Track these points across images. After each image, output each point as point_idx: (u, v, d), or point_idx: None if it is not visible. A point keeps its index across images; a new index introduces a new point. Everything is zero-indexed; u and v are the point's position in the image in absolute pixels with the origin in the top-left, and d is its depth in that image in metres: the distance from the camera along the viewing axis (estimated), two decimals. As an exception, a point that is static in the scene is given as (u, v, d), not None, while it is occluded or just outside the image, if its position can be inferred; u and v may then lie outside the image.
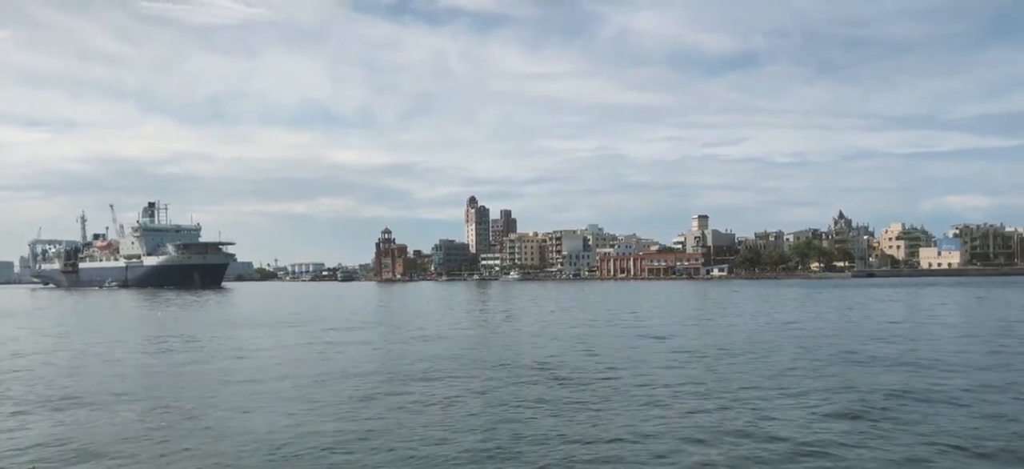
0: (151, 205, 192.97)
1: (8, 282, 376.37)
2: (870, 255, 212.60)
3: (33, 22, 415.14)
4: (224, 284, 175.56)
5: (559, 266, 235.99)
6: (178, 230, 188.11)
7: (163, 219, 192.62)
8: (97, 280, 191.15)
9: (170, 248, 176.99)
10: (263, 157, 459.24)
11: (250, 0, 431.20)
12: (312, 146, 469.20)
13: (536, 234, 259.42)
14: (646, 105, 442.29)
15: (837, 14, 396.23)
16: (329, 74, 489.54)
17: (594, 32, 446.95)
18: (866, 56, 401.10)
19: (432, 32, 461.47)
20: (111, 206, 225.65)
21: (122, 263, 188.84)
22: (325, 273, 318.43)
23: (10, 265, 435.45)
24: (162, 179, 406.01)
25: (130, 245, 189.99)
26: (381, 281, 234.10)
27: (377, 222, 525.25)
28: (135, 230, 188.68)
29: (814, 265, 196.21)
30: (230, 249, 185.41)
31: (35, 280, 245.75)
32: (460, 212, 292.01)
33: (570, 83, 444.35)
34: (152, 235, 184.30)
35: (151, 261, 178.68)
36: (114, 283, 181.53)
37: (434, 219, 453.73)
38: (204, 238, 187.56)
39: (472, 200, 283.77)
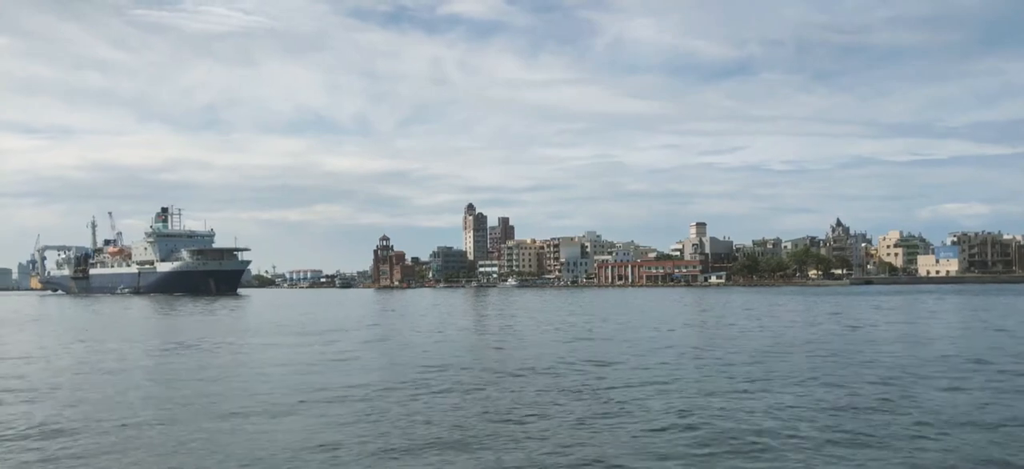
0: (164, 210, 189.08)
1: (7, 289, 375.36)
2: (868, 263, 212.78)
3: (29, 30, 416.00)
4: (239, 291, 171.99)
5: (557, 273, 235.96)
6: (191, 236, 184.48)
7: (176, 224, 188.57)
8: (108, 287, 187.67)
9: (185, 254, 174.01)
10: (260, 164, 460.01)
11: (247, 8, 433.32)
12: (308, 153, 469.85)
13: (534, 241, 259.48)
14: (643, 113, 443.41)
15: (832, 22, 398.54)
16: (326, 82, 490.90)
17: (590, 40, 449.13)
18: (862, 64, 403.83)
19: (429, 40, 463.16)
20: (110, 213, 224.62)
21: (134, 269, 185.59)
22: (323, 280, 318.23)
23: (8, 272, 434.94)
24: (159, 186, 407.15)
25: (143, 251, 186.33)
26: (379, 288, 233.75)
27: (374, 229, 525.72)
28: (148, 235, 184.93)
29: (812, 273, 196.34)
30: (245, 256, 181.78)
31: (37, 287, 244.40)
32: (458, 219, 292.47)
33: (567, 91, 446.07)
34: (165, 241, 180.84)
35: (165, 267, 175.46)
36: (126, 289, 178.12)
37: (432, 226, 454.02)
38: (216, 244, 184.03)
39: (470, 207, 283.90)
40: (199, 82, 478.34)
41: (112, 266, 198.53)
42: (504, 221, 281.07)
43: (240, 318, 56.20)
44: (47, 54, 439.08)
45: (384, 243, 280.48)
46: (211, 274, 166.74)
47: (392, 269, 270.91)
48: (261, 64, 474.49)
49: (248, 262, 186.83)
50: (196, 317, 57.61)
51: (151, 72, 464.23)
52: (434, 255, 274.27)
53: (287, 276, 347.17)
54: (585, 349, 27.71)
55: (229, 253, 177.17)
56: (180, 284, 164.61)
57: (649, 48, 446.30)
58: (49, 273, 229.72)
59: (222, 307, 78.91)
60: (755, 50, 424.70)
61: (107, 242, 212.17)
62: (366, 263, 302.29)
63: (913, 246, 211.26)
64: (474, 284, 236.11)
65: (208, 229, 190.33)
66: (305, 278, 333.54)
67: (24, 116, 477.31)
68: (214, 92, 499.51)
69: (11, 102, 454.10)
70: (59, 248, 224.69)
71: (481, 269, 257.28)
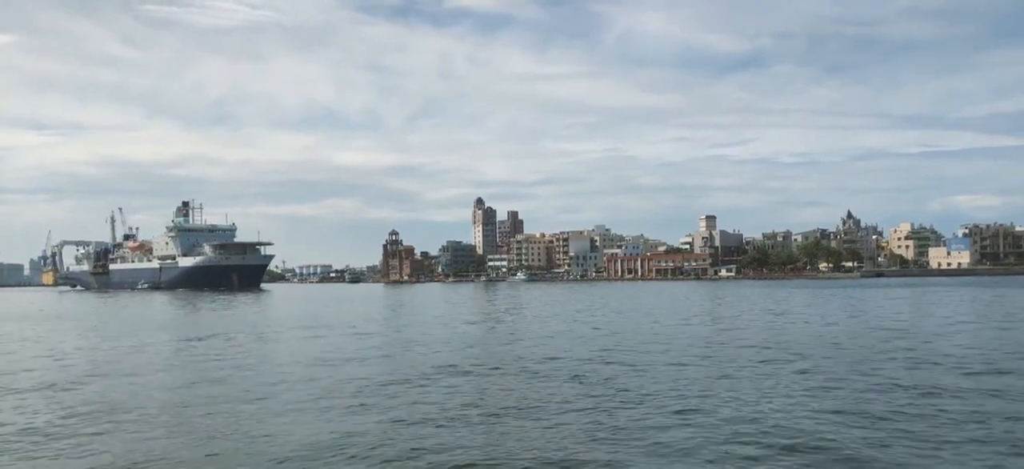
0: (185, 204, 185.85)
1: (18, 284, 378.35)
2: (879, 255, 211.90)
3: (39, 27, 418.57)
4: (263, 286, 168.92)
5: (566, 267, 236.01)
6: (213, 230, 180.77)
7: (197, 219, 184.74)
8: (129, 282, 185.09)
9: (207, 248, 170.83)
10: (269, 159, 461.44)
11: (255, 3, 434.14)
12: (318, 148, 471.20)
13: (543, 235, 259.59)
14: (653, 106, 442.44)
15: (844, 14, 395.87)
16: (334, 76, 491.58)
17: (600, 33, 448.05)
18: (873, 56, 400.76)
19: (437, 34, 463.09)
20: (119, 209, 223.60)
21: (155, 264, 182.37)
22: (332, 275, 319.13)
23: (20, 268, 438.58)
24: (169, 182, 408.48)
25: (164, 245, 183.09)
26: (388, 283, 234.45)
27: (383, 224, 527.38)
28: (170, 230, 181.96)
29: (822, 265, 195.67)
30: (268, 250, 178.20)
31: (48, 283, 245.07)
32: (467, 213, 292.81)
33: (577, 84, 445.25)
34: (187, 235, 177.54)
35: (186, 262, 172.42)
36: (145, 285, 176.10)
37: (441, 221, 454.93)
38: (236, 238, 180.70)
39: (479, 201, 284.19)
40: (208, 77, 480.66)
41: (133, 261, 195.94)
42: (513, 215, 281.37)
43: (278, 313, 56.08)
44: (58, 50, 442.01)
45: (393, 238, 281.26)
46: (234, 269, 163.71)
47: (401, 264, 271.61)
48: (269, 59, 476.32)
49: (271, 256, 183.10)
50: (240, 310, 57.98)
51: (161, 68, 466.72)
52: (443, 249, 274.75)
53: (296, 271, 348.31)
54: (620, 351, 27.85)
55: (251, 247, 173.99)
56: (203, 279, 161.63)
57: (660, 41, 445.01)
58: (68, 268, 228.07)
59: (256, 302, 78.44)
60: (766, 43, 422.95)
61: (127, 237, 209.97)
62: (375, 258, 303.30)
63: (924, 238, 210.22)
64: (483, 278, 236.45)
65: (229, 223, 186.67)
66: (314, 273, 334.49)
67: (35, 112, 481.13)
68: (223, 87, 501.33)
69: (23, 98, 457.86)
70: (78, 243, 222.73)
71: (490, 263, 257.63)
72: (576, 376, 19.15)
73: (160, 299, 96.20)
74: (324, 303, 75.05)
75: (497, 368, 21.26)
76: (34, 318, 55.87)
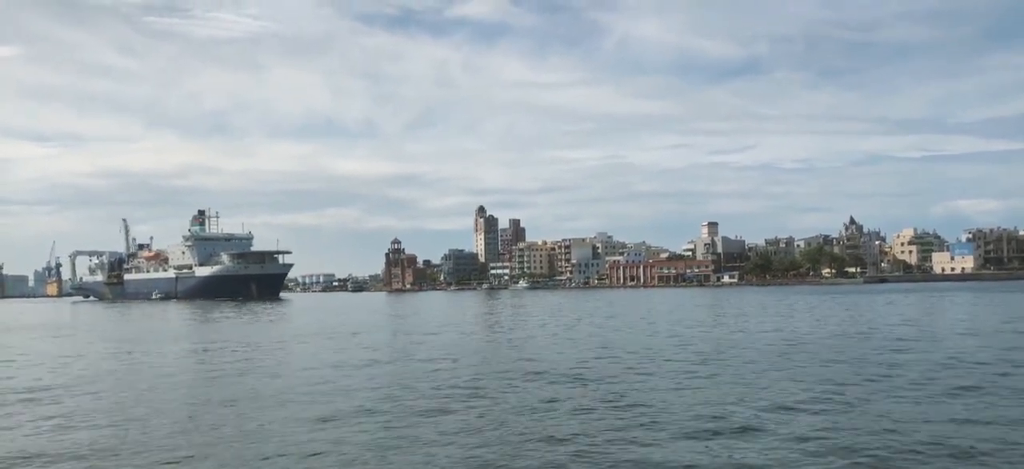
0: (201, 213, 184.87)
1: (22, 296, 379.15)
2: (882, 261, 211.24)
3: (39, 38, 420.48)
4: (281, 295, 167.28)
5: (568, 275, 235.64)
6: (230, 239, 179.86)
7: (213, 228, 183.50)
8: (144, 292, 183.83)
9: (225, 257, 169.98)
10: (270, 169, 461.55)
11: (254, 13, 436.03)
12: (317, 157, 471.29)
13: (545, 243, 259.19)
14: (651, 113, 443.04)
15: (841, 19, 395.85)
16: (333, 86, 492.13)
17: (596, 41, 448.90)
18: (871, 60, 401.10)
19: (434, 42, 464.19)
20: (124, 220, 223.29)
21: (171, 274, 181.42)
22: (335, 284, 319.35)
23: (25, 279, 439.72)
24: (171, 192, 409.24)
25: (180, 255, 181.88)
26: (391, 291, 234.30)
27: (384, 233, 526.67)
28: (186, 239, 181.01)
29: (826, 271, 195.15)
30: (286, 259, 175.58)
31: (53, 294, 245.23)
32: (468, 222, 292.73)
33: (575, 92, 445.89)
34: (204, 244, 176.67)
35: (203, 271, 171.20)
36: (160, 295, 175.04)
37: (443, 229, 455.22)
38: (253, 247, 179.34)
39: (481, 209, 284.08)
40: (206, 87, 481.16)
41: (148, 271, 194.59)
42: (515, 223, 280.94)
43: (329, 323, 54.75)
44: (57, 61, 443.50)
45: (395, 247, 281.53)
46: (253, 278, 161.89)
47: (404, 272, 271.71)
48: (268, 69, 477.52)
49: (290, 265, 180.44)
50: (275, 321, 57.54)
51: (159, 78, 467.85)
52: (445, 258, 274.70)
53: (299, 280, 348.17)
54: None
55: (270, 256, 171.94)
56: (221, 289, 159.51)
57: (656, 48, 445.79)
58: (81, 279, 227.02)
59: (288, 313, 77.42)
60: (762, 49, 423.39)
61: (141, 246, 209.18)
62: (376, 266, 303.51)
63: (928, 243, 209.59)
64: (485, 286, 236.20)
65: (246, 232, 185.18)
66: (317, 282, 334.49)
67: (35, 123, 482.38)
68: (221, 97, 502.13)
69: (23, 109, 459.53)
70: (91, 253, 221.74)
71: (492, 271, 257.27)
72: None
73: (182, 311, 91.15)
74: (349, 314, 72.00)
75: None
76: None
